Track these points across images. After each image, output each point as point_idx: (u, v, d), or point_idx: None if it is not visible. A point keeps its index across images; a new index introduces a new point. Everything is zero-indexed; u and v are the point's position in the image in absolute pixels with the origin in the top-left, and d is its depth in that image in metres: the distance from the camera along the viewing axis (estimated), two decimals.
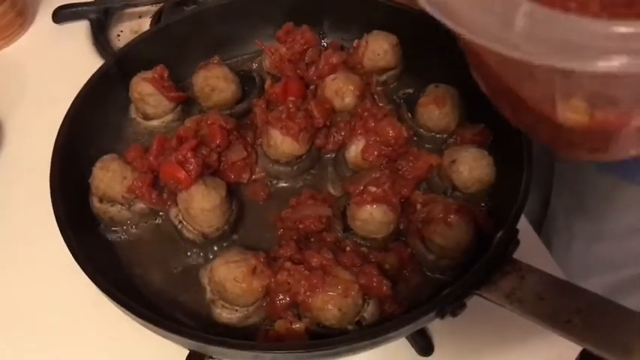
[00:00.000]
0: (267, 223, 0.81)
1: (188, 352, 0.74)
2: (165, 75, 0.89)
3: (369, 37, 0.93)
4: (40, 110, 1.08)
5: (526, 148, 0.75)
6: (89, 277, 0.68)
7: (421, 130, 0.88)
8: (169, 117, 0.91)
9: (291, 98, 0.88)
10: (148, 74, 0.88)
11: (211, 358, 0.72)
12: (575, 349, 0.80)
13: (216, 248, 0.80)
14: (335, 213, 0.80)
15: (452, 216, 0.73)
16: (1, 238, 0.93)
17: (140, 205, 0.81)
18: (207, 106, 0.91)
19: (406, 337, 0.78)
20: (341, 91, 0.88)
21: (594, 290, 0.63)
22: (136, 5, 1.24)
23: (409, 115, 0.89)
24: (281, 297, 0.70)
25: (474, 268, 0.66)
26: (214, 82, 0.89)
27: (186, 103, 0.93)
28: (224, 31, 0.99)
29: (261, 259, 0.71)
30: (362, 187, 0.77)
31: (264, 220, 0.82)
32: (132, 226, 0.82)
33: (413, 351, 0.79)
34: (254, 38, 0.98)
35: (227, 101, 0.90)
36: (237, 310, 0.71)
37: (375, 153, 0.82)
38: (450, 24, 0.38)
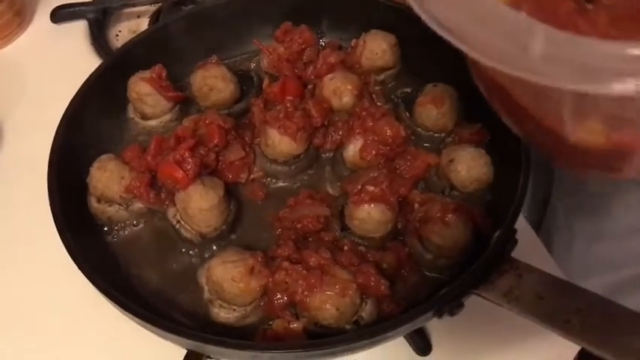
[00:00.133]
0: (265, 222, 0.81)
1: (186, 351, 0.74)
2: (164, 75, 0.89)
3: (367, 37, 0.93)
4: (38, 110, 1.08)
5: (524, 148, 0.75)
6: (87, 277, 0.68)
7: (419, 129, 0.88)
8: (167, 117, 0.91)
9: (289, 98, 0.88)
10: (146, 74, 0.88)
11: (209, 357, 0.72)
12: (574, 348, 0.79)
13: (214, 248, 0.80)
14: (333, 212, 0.80)
15: (449, 215, 0.73)
16: (0, 238, 0.93)
17: (138, 205, 0.81)
18: (206, 106, 0.91)
19: (404, 337, 0.78)
20: (339, 90, 0.88)
21: (595, 290, 0.63)
22: (134, 5, 1.24)
23: (407, 114, 0.89)
24: (279, 296, 0.70)
25: (471, 267, 0.66)
26: (212, 81, 0.89)
27: (185, 103, 0.93)
28: (222, 30, 0.99)
29: (259, 259, 0.71)
30: (360, 187, 0.77)
31: (262, 219, 0.82)
32: (130, 226, 0.82)
33: (411, 350, 0.79)
34: (252, 38, 0.98)
35: (225, 101, 0.90)
36: (234, 310, 0.71)
37: (373, 152, 0.82)
38: (463, 48, 0.38)
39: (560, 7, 0.41)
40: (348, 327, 0.69)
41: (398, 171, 0.82)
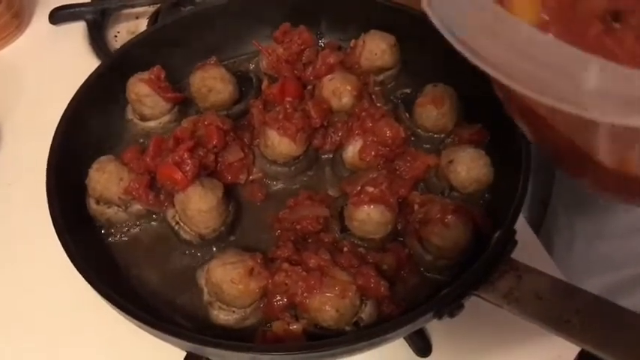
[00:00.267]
0: (264, 224, 0.81)
1: (185, 353, 0.74)
2: (162, 76, 0.88)
3: (367, 37, 0.93)
4: (37, 111, 1.08)
5: (524, 148, 0.75)
6: (86, 279, 0.68)
7: (419, 130, 0.88)
8: (166, 118, 0.91)
9: (289, 99, 0.88)
10: (145, 75, 0.88)
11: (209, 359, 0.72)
12: (574, 349, 0.79)
13: (213, 249, 0.80)
14: (332, 213, 0.79)
15: (449, 216, 0.73)
16: (0, 238, 0.93)
17: (137, 207, 0.81)
18: (204, 107, 0.90)
19: (404, 338, 0.78)
20: (338, 91, 0.88)
21: (595, 290, 0.63)
22: (132, 6, 1.24)
23: (407, 115, 0.89)
24: (278, 298, 0.70)
25: (471, 268, 0.66)
26: (211, 82, 0.89)
27: (184, 104, 0.93)
28: (221, 31, 0.99)
29: (259, 261, 0.71)
30: (359, 188, 0.77)
31: (261, 221, 0.82)
32: (129, 228, 0.82)
33: (411, 351, 0.79)
34: (251, 39, 0.98)
35: (224, 102, 0.90)
36: (234, 312, 0.71)
37: (373, 153, 0.81)
38: (506, 81, 0.37)
39: (589, 30, 0.41)
40: (347, 328, 0.69)
41: (397, 172, 0.82)
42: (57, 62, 1.16)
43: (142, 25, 1.23)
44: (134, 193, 0.79)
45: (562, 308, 0.61)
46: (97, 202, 0.80)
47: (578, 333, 0.60)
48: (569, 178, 0.70)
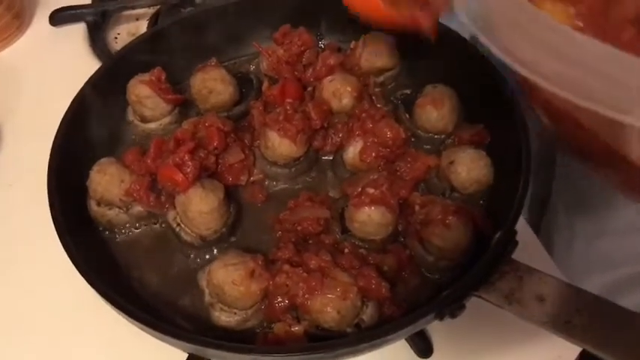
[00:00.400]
0: (265, 225, 0.81)
1: (187, 355, 0.74)
2: (163, 77, 0.89)
3: (367, 38, 0.93)
4: (37, 113, 1.08)
5: (524, 149, 0.75)
6: (87, 280, 0.68)
7: (419, 131, 0.88)
8: (167, 119, 0.91)
9: (289, 100, 0.88)
10: (146, 77, 0.88)
11: None
12: (575, 349, 0.79)
13: (214, 251, 0.80)
14: (333, 215, 0.79)
15: (450, 217, 0.73)
16: (0, 240, 0.93)
17: (138, 208, 0.81)
18: (205, 109, 0.90)
19: (405, 339, 0.78)
20: (338, 92, 0.88)
21: (595, 288, 0.64)
22: (133, 8, 1.24)
23: (407, 116, 0.89)
24: (279, 300, 0.70)
25: (472, 269, 0.66)
26: (212, 84, 0.89)
27: (184, 106, 0.93)
28: (221, 33, 0.99)
29: (260, 262, 0.71)
30: (360, 189, 0.77)
31: (262, 222, 0.82)
32: (130, 229, 0.82)
33: (412, 352, 0.79)
34: (251, 40, 0.99)
35: (224, 103, 0.90)
36: (235, 313, 0.71)
37: (373, 154, 0.81)
38: (553, 89, 0.37)
39: (623, 34, 0.41)
40: (349, 330, 0.69)
41: (398, 173, 0.82)
42: (57, 64, 1.17)
43: (143, 26, 1.23)
44: (135, 194, 0.79)
45: (563, 309, 0.61)
46: (98, 204, 0.80)
47: (579, 333, 0.60)
48: (592, 174, 0.71)
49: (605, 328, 0.61)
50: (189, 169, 0.76)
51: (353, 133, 0.84)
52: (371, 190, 0.76)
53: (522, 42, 0.39)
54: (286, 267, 0.70)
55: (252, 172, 0.86)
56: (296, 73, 0.93)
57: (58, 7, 1.22)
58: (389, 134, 0.81)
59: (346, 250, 0.75)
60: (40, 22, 1.25)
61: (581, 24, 0.44)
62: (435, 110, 0.85)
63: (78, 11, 1.22)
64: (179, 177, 0.76)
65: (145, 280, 0.78)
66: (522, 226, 0.86)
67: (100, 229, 0.82)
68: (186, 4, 1.18)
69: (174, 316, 0.74)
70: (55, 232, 0.72)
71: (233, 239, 0.81)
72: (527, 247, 0.72)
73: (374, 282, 0.70)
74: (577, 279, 1.05)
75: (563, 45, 0.37)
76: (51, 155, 0.79)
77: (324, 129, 0.87)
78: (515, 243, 0.68)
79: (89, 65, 1.03)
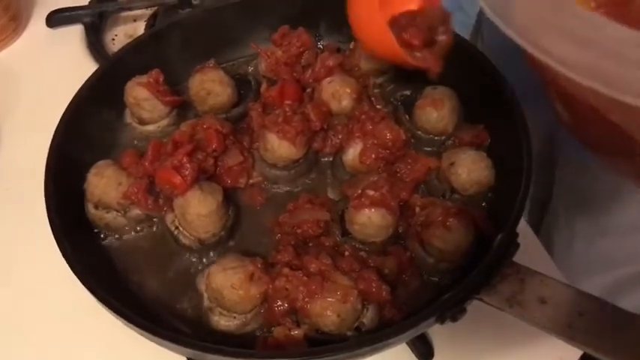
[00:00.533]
0: (264, 228, 0.81)
1: (186, 359, 0.73)
2: (161, 79, 0.88)
3: None
4: (34, 115, 1.08)
5: (525, 150, 0.75)
6: (84, 284, 0.68)
7: (419, 132, 0.88)
8: (165, 121, 0.90)
9: (288, 102, 0.87)
10: (143, 79, 0.87)
11: None
12: (576, 352, 0.79)
13: (213, 254, 0.79)
14: (333, 217, 0.79)
15: (451, 219, 0.73)
16: None
17: (136, 211, 0.80)
18: (203, 110, 0.90)
19: (406, 342, 0.78)
20: (338, 93, 0.87)
21: (596, 289, 0.63)
22: (130, 9, 1.23)
23: (407, 117, 0.89)
24: (279, 303, 0.69)
25: (473, 272, 0.65)
26: (210, 85, 0.88)
27: (182, 108, 0.92)
28: (219, 34, 0.98)
29: (259, 265, 0.70)
30: (360, 191, 0.76)
31: (261, 225, 0.81)
32: (128, 233, 0.81)
33: (413, 356, 0.79)
34: (250, 41, 0.98)
35: (223, 105, 0.90)
36: (235, 318, 0.70)
37: (373, 156, 0.81)
38: (588, 82, 0.37)
39: None
40: (349, 333, 0.68)
41: (398, 175, 0.81)
42: (54, 66, 1.16)
43: (140, 28, 1.23)
44: (133, 197, 0.78)
45: (565, 312, 0.61)
46: (96, 207, 0.80)
47: (580, 336, 0.60)
48: (605, 165, 0.70)
49: (608, 332, 0.60)
50: (187, 172, 0.76)
51: (353, 135, 0.83)
52: (371, 192, 0.75)
53: (547, 31, 0.39)
54: (286, 270, 0.70)
55: (251, 174, 0.85)
56: (295, 74, 0.93)
57: (54, 8, 1.22)
58: (389, 136, 0.81)
59: (346, 253, 0.75)
60: (37, 23, 1.24)
61: (601, 14, 0.44)
62: (435, 111, 0.85)
63: (75, 13, 1.21)
64: (177, 179, 0.75)
65: (143, 283, 0.77)
66: (523, 228, 0.86)
67: (98, 232, 0.81)
68: (184, 6, 1.17)
69: (172, 321, 0.74)
70: (52, 236, 0.72)
71: (232, 242, 0.80)
72: (528, 248, 0.71)
73: (374, 285, 0.69)
74: (577, 279, 1.05)
75: (591, 33, 0.37)
76: (48, 158, 0.78)
77: (324, 131, 0.86)
78: (517, 245, 0.68)
79: (86, 67, 1.03)
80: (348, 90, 0.87)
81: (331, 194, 0.84)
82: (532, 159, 0.74)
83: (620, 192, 1.05)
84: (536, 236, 0.93)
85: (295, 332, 0.68)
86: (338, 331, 0.67)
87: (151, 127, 0.90)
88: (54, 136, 0.80)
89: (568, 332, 0.60)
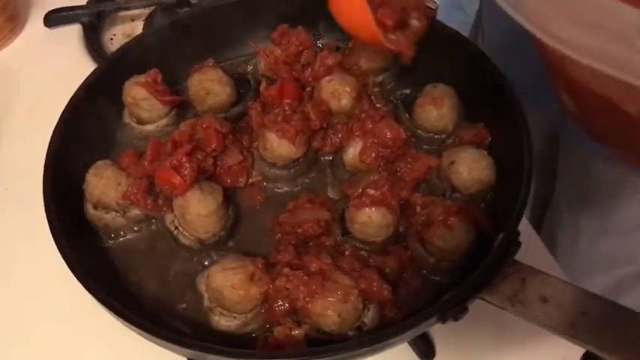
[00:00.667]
0: (264, 227, 0.80)
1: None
2: (159, 79, 0.87)
3: None
4: (32, 115, 1.08)
5: (526, 148, 0.75)
6: (84, 285, 0.67)
7: (419, 131, 0.87)
8: (164, 121, 0.90)
9: (287, 101, 0.87)
10: (142, 78, 0.87)
11: None
12: (578, 351, 0.78)
13: (213, 254, 0.78)
14: (333, 216, 0.79)
15: (452, 218, 0.72)
16: None
17: (135, 212, 0.80)
18: (202, 110, 0.90)
19: (407, 342, 0.78)
20: (337, 92, 0.87)
21: (599, 287, 0.63)
22: (128, 8, 1.23)
23: (407, 115, 0.88)
24: (280, 303, 0.69)
25: (475, 271, 0.65)
26: (209, 85, 0.88)
27: (181, 107, 0.92)
28: (218, 33, 0.98)
29: (259, 265, 0.70)
30: (360, 190, 0.76)
31: (261, 224, 0.81)
32: (127, 233, 0.81)
33: (414, 355, 0.79)
34: (248, 40, 0.97)
35: (222, 104, 0.89)
36: (235, 318, 0.70)
37: (373, 155, 0.81)
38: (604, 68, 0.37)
39: None
40: (350, 333, 0.68)
41: (399, 174, 0.81)
42: (52, 66, 1.16)
43: (138, 27, 1.22)
44: (132, 198, 0.78)
45: (567, 311, 0.61)
46: (95, 207, 0.79)
47: (583, 335, 0.60)
48: (612, 155, 0.70)
49: (610, 330, 0.60)
50: (186, 172, 0.75)
51: (352, 134, 0.83)
52: (371, 191, 0.75)
53: (557, 16, 0.38)
54: (286, 270, 0.69)
55: (251, 173, 0.85)
56: (294, 73, 0.92)
57: (52, 8, 1.21)
58: (389, 135, 0.80)
59: (347, 253, 0.75)
60: (35, 23, 1.24)
61: None
62: (435, 109, 0.85)
63: (73, 12, 1.21)
64: (177, 180, 0.75)
65: (143, 284, 0.77)
66: (524, 226, 0.86)
67: (97, 232, 0.81)
68: (182, 5, 1.17)
69: (173, 321, 0.73)
70: (51, 237, 0.71)
71: (232, 242, 0.80)
72: (529, 247, 0.71)
73: (375, 284, 0.69)
74: (580, 278, 1.05)
75: (603, 16, 0.37)
76: (47, 158, 0.78)
77: (324, 130, 0.86)
78: (518, 244, 0.67)
79: (84, 67, 1.03)
80: (348, 89, 0.87)
81: (331, 193, 0.84)
82: (533, 157, 0.74)
83: (622, 191, 1.05)
84: (538, 234, 0.92)
85: (296, 332, 0.68)
86: (339, 330, 0.67)
87: (149, 127, 0.89)
88: (52, 136, 0.80)
89: (570, 331, 0.60)
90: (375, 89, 0.92)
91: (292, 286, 0.68)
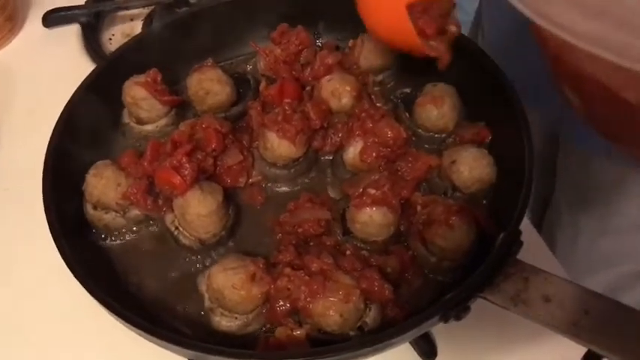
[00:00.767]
0: (265, 227, 0.80)
1: None
2: (159, 79, 0.87)
3: (365, 37, 0.92)
4: (31, 116, 1.07)
5: (527, 147, 0.74)
6: (83, 286, 0.67)
7: (419, 130, 0.87)
8: (163, 121, 0.89)
9: (287, 100, 0.86)
10: (141, 78, 0.87)
11: None
12: (580, 350, 0.78)
13: (213, 254, 0.78)
14: (334, 216, 0.78)
15: (453, 217, 0.72)
16: None
17: (135, 212, 0.79)
18: (202, 110, 0.89)
19: (409, 341, 0.77)
20: (337, 91, 0.86)
21: (599, 286, 0.63)
22: (127, 8, 1.23)
23: (407, 115, 0.88)
24: (281, 303, 0.68)
25: (477, 270, 0.65)
26: (208, 84, 0.88)
27: (181, 107, 0.91)
28: (217, 32, 0.97)
29: (260, 265, 0.70)
30: (361, 190, 0.76)
31: (262, 224, 0.81)
32: (127, 233, 0.81)
33: (416, 355, 0.78)
34: (248, 40, 0.97)
35: (222, 104, 0.89)
36: (236, 318, 0.70)
37: (374, 154, 0.80)
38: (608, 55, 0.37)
39: None
40: (352, 333, 0.68)
41: (399, 173, 0.81)
42: (51, 66, 1.15)
43: (137, 27, 1.22)
44: (132, 198, 0.78)
45: (570, 310, 0.60)
46: (95, 208, 0.79)
47: (586, 334, 0.60)
48: (621, 151, 0.70)
49: (613, 329, 0.60)
50: (186, 172, 0.75)
51: (353, 133, 0.83)
52: (372, 191, 0.75)
53: (558, 1, 0.38)
54: (287, 270, 0.69)
55: (251, 173, 0.85)
56: (294, 72, 0.92)
57: (51, 8, 1.21)
58: (389, 134, 0.80)
59: (348, 252, 0.74)
60: (33, 23, 1.23)
61: None
62: (436, 108, 0.84)
63: (71, 12, 1.20)
64: (177, 180, 0.74)
65: (144, 285, 0.77)
66: (525, 225, 0.85)
67: (97, 233, 0.81)
68: (180, 4, 1.17)
69: (173, 322, 0.73)
70: (51, 237, 0.71)
71: (232, 242, 0.80)
72: (531, 245, 0.71)
73: (377, 284, 0.69)
74: (580, 277, 1.04)
75: (607, 3, 0.36)
76: (46, 158, 0.78)
77: (324, 129, 0.85)
78: (520, 243, 0.67)
79: (83, 67, 1.02)
80: (348, 88, 0.86)
81: (332, 193, 0.84)
82: (534, 156, 0.74)
83: (621, 190, 1.04)
84: (538, 233, 0.92)
85: (297, 332, 0.68)
86: (340, 330, 0.67)
87: (149, 127, 0.89)
88: (52, 136, 0.80)
89: (573, 330, 0.60)
90: (375, 88, 0.92)
91: (293, 286, 0.68)
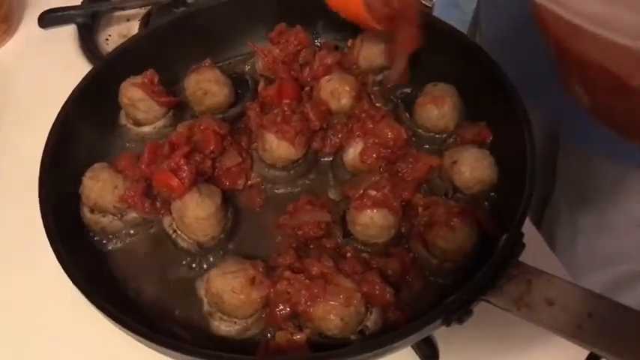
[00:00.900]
0: (264, 230, 0.79)
1: None
2: (156, 79, 0.86)
3: (364, 36, 0.91)
4: (27, 117, 1.07)
5: (529, 147, 0.74)
6: (80, 290, 0.66)
7: (420, 130, 0.86)
8: (161, 122, 0.88)
9: (286, 101, 0.86)
10: (138, 79, 0.86)
11: None
12: (583, 352, 0.78)
13: (212, 258, 0.77)
14: (334, 218, 0.78)
15: (454, 219, 0.72)
16: None
17: (133, 215, 0.78)
18: (200, 111, 0.88)
19: (410, 345, 0.77)
20: (337, 92, 0.86)
21: (598, 285, 0.63)
22: (124, 8, 1.22)
23: (407, 115, 0.87)
24: (281, 307, 0.68)
25: (479, 273, 0.64)
26: (206, 85, 0.87)
27: (178, 108, 0.91)
28: (215, 33, 0.97)
29: (260, 269, 0.69)
30: (361, 191, 0.75)
31: (261, 227, 0.80)
32: (124, 237, 0.80)
33: (417, 358, 0.78)
34: (246, 40, 0.96)
35: (220, 105, 0.88)
36: (235, 322, 0.69)
37: (374, 155, 0.80)
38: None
39: None
40: (353, 337, 0.67)
41: (400, 174, 0.80)
42: (47, 67, 1.15)
43: (134, 27, 1.21)
44: (129, 201, 0.77)
45: (574, 313, 0.60)
46: (92, 211, 0.78)
47: (590, 337, 0.59)
48: (628, 143, 0.69)
49: (617, 332, 0.59)
50: (184, 174, 0.74)
51: (353, 134, 0.82)
52: (373, 193, 0.74)
53: None
54: (287, 274, 0.68)
55: (250, 175, 0.84)
56: (292, 72, 0.91)
57: (47, 8, 1.20)
58: (390, 135, 0.79)
59: (348, 255, 0.74)
60: (29, 24, 1.22)
61: None
62: (436, 109, 0.84)
63: (67, 13, 1.20)
64: (175, 182, 0.74)
65: (142, 289, 0.76)
66: (527, 227, 0.85)
67: (94, 236, 0.80)
68: (178, 4, 1.16)
69: (172, 327, 0.72)
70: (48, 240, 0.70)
71: (231, 245, 0.79)
72: (531, 246, 0.70)
73: (378, 287, 0.68)
74: (578, 276, 1.04)
75: None
76: (42, 161, 0.77)
77: (323, 130, 0.84)
78: (523, 245, 0.67)
79: (80, 68, 1.02)
80: (347, 88, 0.86)
81: (332, 195, 0.83)
82: (536, 156, 0.73)
83: (620, 190, 1.04)
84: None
85: (297, 337, 0.67)
86: (341, 335, 0.66)
87: (146, 129, 0.88)
88: (48, 138, 0.79)
89: (577, 333, 0.59)
90: (375, 88, 0.91)
91: (293, 289, 0.67)
